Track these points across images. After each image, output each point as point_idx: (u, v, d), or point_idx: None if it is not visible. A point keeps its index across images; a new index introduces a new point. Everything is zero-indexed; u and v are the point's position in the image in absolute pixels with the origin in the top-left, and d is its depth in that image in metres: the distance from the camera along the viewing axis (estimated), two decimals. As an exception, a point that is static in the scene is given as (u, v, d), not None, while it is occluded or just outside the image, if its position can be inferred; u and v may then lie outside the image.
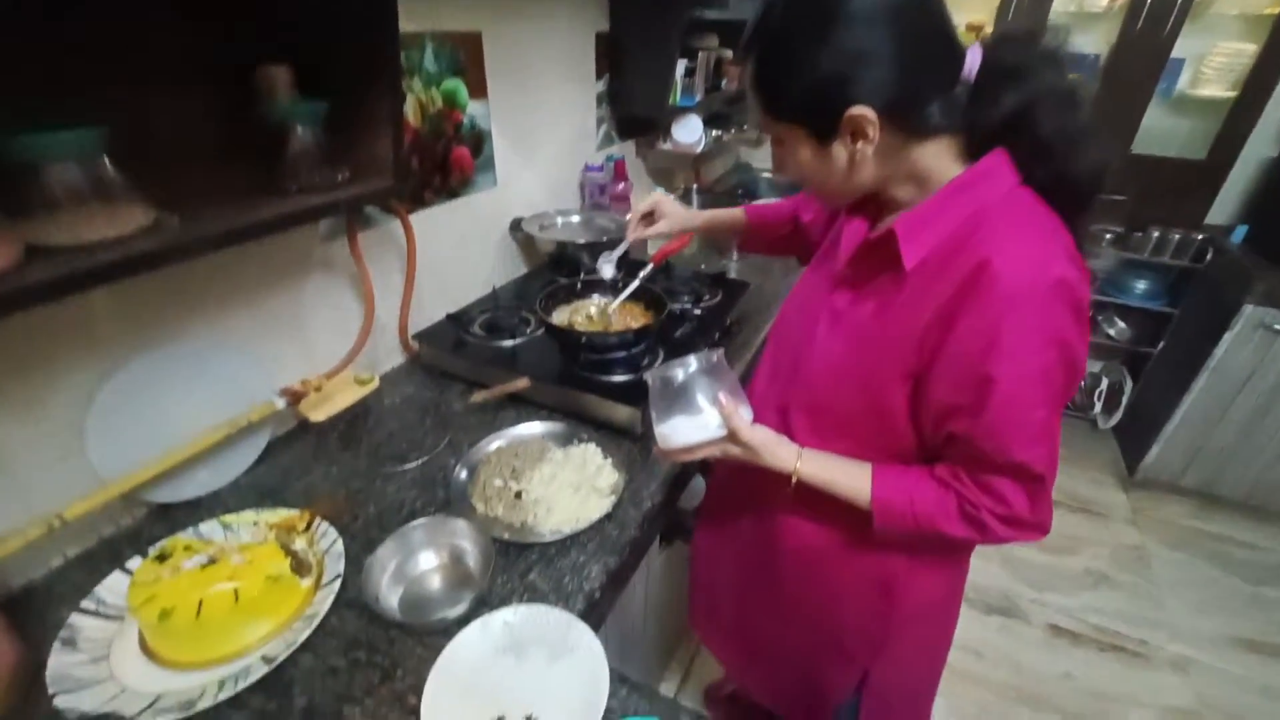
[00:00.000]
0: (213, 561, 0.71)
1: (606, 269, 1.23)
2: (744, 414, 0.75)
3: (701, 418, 0.74)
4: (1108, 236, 2.47)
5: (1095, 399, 2.69)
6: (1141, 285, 2.53)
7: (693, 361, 0.75)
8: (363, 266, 1.08)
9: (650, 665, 1.45)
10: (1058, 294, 0.58)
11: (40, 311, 0.70)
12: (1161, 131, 2.35)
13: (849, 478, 0.72)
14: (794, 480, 0.73)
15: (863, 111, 0.60)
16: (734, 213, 1.13)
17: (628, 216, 1.11)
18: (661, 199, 1.10)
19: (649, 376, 0.77)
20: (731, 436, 0.74)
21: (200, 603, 0.67)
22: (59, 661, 0.66)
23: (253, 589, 0.69)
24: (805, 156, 0.67)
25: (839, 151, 0.64)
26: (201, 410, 0.89)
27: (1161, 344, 2.47)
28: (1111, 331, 2.62)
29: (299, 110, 0.82)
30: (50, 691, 0.63)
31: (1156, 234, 2.37)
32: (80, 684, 0.64)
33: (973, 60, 0.62)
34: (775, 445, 0.75)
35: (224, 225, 0.72)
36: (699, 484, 1.35)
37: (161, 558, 0.72)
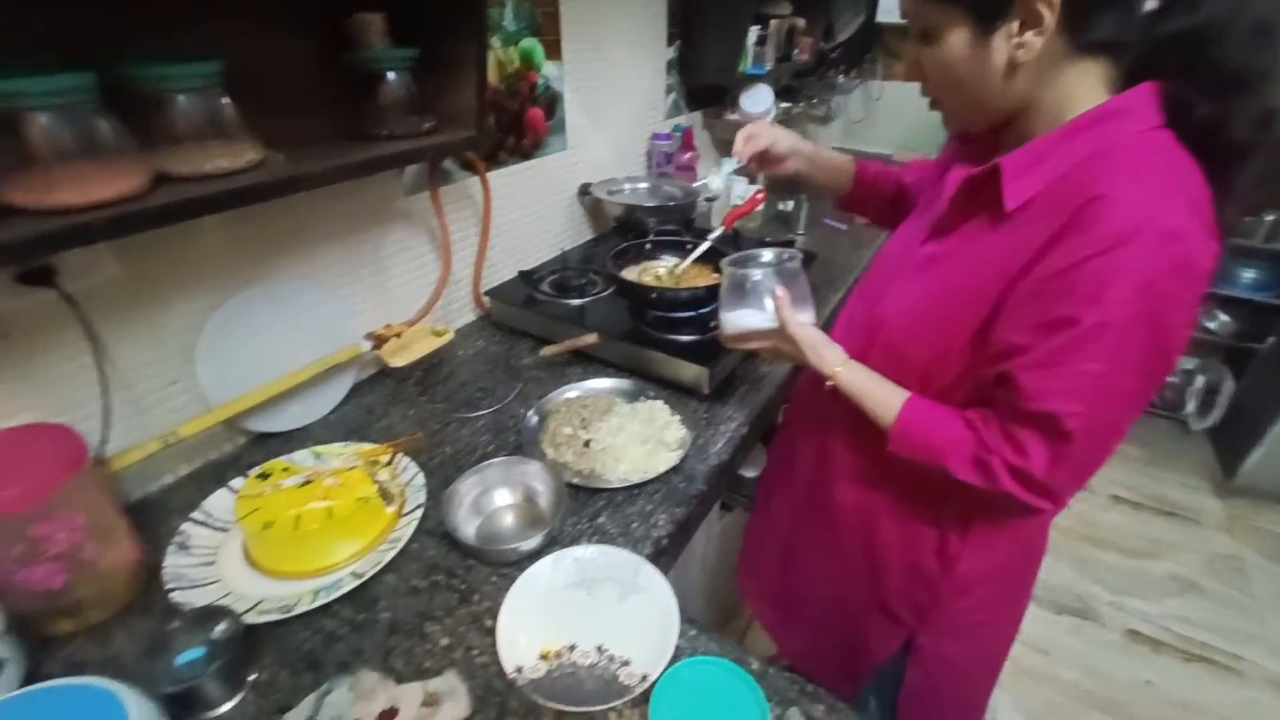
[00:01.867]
0: (309, 482, 0.76)
1: (715, 180, 1.20)
2: (802, 316, 0.77)
3: (763, 312, 0.78)
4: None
5: (1189, 398, 2.50)
6: (1249, 275, 2.33)
7: (766, 254, 0.79)
8: (442, 219, 1.11)
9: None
10: (1165, 245, 0.51)
11: (162, 242, 0.77)
12: None
13: (883, 394, 0.71)
14: (828, 384, 0.73)
15: None
16: (843, 158, 1.02)
17: (741, 145, 0.95)
18: (772, 131, 0.97)
19: (724, 264, 0.81)
20: (781, 328, 0.76)
21: (298, 517, 0.71)
22: (174, 562, 0.72)
23: (345, 508, 0.72)
24: (957, 51, 0.59)
25: (999, 46, 0.57)
26: (297, 346, 0.94)
27: (1271, 339, 2.26)
28: (1211, 325, 2.42)
29: (390, 57, 0.85)
30: (167, 588, 0.68)
31: (1270, 219, 2.17)
32: (193, 583, 0.69)
33: None
34: (823, 346, 0.75)
35: (323, 164, 0.76)
36: (762, 454, 1.34)
37: (263, 476, 0.77)
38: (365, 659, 0.64)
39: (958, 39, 0.59)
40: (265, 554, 0.72)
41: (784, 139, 0.96)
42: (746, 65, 1.86)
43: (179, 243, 0.80)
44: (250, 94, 0.72)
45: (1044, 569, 1.71)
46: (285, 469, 0.78)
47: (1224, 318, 2.41)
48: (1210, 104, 0.54)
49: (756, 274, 0.78)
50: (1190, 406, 2.50)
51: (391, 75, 0.87)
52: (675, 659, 0.64)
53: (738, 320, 0.80)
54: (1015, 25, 0.56)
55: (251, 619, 0.64)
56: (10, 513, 0.57)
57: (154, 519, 0.80)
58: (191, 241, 0.82)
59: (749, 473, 1.32)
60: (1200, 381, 2.48)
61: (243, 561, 0.73)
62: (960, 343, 0.65)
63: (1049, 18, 0.54)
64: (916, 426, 0.68)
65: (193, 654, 0.54)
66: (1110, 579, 1.93)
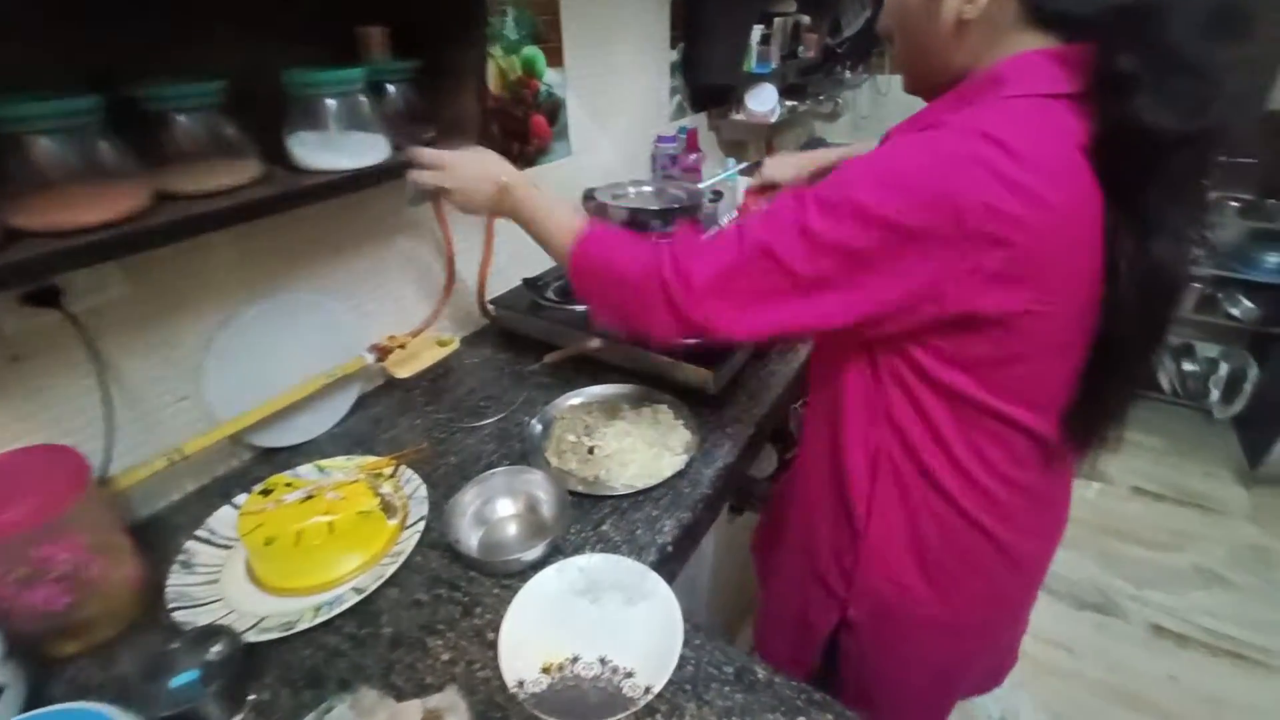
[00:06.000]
0: (310, 497, 0.76)
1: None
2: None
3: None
4: (1234, 205, 2.22)
5: (1211, 386, 2.43)
6: (1273, 259, 2.26)
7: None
8: (445, 228, 1.11)
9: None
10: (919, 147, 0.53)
11: (171, 259, 0.77)
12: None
13: (561, 212, 0.74)
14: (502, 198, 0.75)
15: None
16: (845, 151, 1.02)
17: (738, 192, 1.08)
18: (771, 168, 1.04)
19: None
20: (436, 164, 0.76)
21: (300, 532, 0.71)
22: (177, 581, 0.72)
23: (346, 522, 0.72)
24: None
25: (949, 2, 0.57)
26: (302, 360, 0.95)
27: (1297, 324, 2.20)
28: (1235, 311, 2.36)
29: (391, 69, 0.85)
30: (170, 607, 0.68)
31: (1293, 201, 2.11)
32: (195, 602, 0.70)
33: None
34: (493, 158, 0.78)
35: (326, 177, 0.76)
36: (772, 454, 1.33)
37: (265, 492, 0.77)
38: (366, 675, 0.64)
39: None
40: (268, 571, 0.72)
41: (783, 171, 1.03)
42: (751, 64, 1.84)
43: (187, 259, 0.81)
44: (253, 108, 0.72)
45: (1065, 564, 1.65)
46: (288, 484, 0.78)
47: (1248, 304, 2.34)
48: (1146, 84, 0.49)
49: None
50: (1213, 395, 2.44)
51: (392, 87, 0.87)
52: (681, 668, 0.64)
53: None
54: None
55: (253, 637, 0.64)
56: (11, 535, 0.58)
57: (161, 537, 0.81)
58: (200, 258, 0.82)
59: (760, 474, 1.31)
60: (1224, 369, 2.42)
61: (246, 579, 0.74)
62: None
63: None
64: (599, 243, 0.69)
65: (188, 676, 0.54)
66: (1133, 573, 1.89)
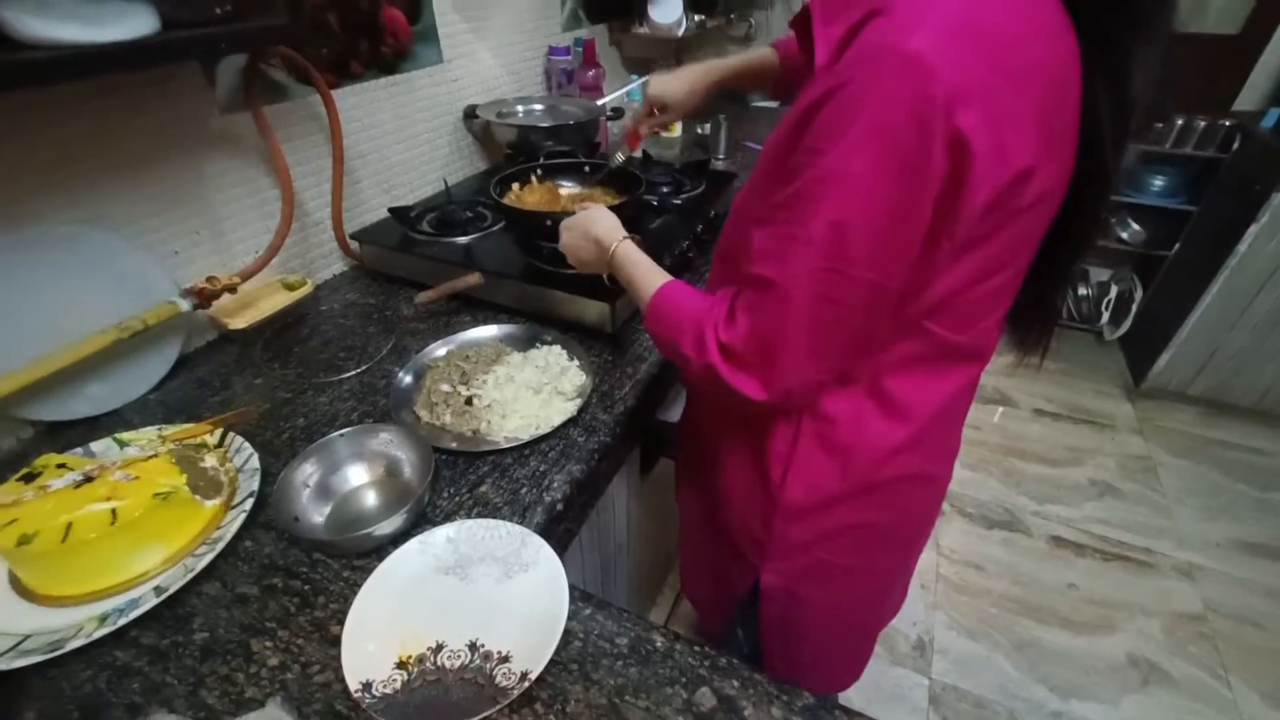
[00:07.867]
0: (88, 479, 0.59)
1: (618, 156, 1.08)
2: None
3: None
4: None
5: (1103, 309, 2.56)
6: (1159, 182, 2.35)
7: None
8: (271, 139, 0.91)
9: (638, 593, 1.38)
10: (904, 72, 0.42)
11: None
12: (1188, 2, 2.12)
13: (653, 273, 0.68)
14: (610, 252, 0.72)
15: None
16: (759, 56, 0.89)
17: (626, 119, 0.95)
18: (658, 84, 0.90)
19: None
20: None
21: (68, 526, 0.55)
22: (-97, 601, 0.55)
23: (134, 509, 0.57)
24: None
25: None
26: (89, 311, 0.75)
27: (1177, 245, 2.32)
28: (1124, 234, 2.46)
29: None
30: (-113, 635, 0.52)
31: (1180, 122, 2.18)
32: (-72, 625, 0.53)
33: None
34: (603, 219, 0.75)
35: (49, 53, 0.56)
36: (684, 394, 1.24)
37: (29, 477, 0.60)
38: (166, 697, 0.50)
39: None
40: (33, 576, 0.56)
41: (672, 87, 0.89)
42: (651, -32, 1.66)
43: None
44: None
45: (974, 485, 1.65)
46: (60, 465, 0.61)
47: (1135, 226, 2.45)
48: None
49: None
50: (1104, 318, 2.57)
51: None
52: (566, 645, 0.54)
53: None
54: None
55: (5, 664, 0.49)
56: None
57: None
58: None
59: (672, 417, 1.22)
60: (1113, 292, 2.55)
61: (9, 589, 0.57)
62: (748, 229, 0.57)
63: None
64: (669, 301, 0.63)
65: None
66: (1035, 489, 1.98)
